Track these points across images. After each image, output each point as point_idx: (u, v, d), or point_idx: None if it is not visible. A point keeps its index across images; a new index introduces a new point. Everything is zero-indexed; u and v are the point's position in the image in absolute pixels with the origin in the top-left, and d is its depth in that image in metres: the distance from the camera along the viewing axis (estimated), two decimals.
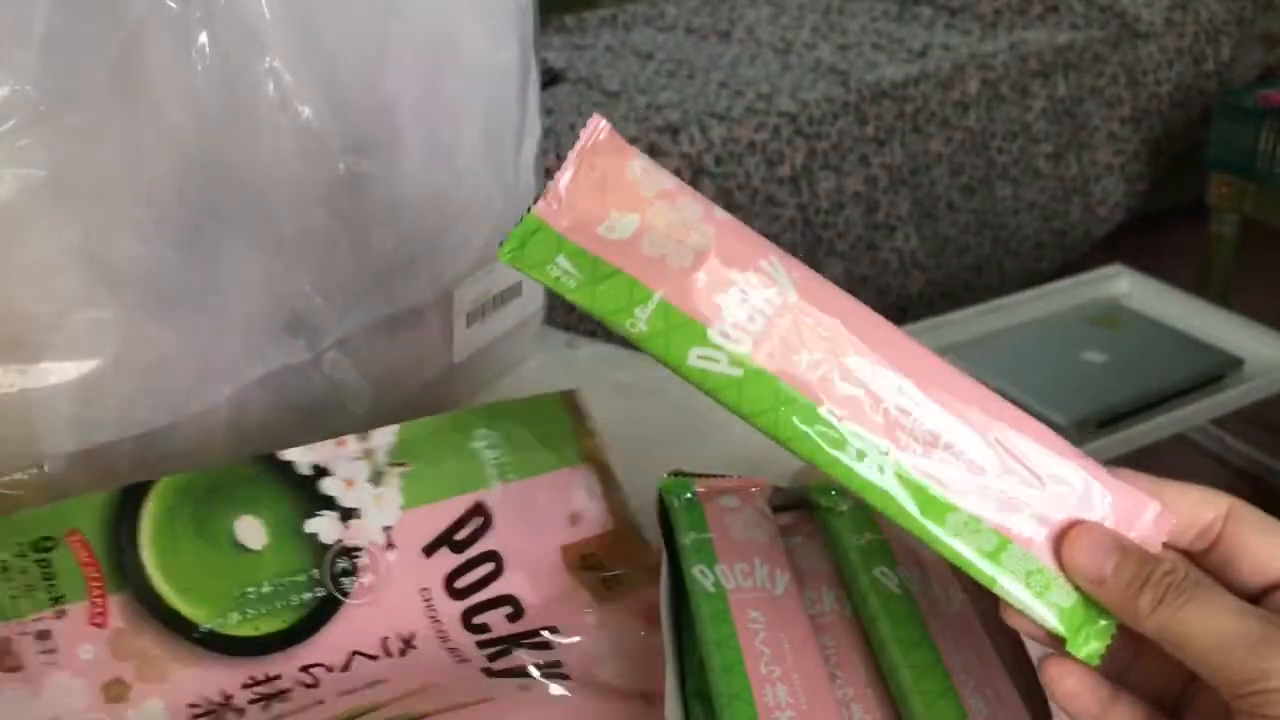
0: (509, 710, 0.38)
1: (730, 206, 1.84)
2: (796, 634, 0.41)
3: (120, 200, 0.43)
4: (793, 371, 0.30)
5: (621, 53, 2.23)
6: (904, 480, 0.31)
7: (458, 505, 0.42)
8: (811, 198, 1.93)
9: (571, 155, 0.31)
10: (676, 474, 0.49)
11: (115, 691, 0.35)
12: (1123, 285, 1.76)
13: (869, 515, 0.47)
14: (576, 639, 0.43)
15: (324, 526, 0.40)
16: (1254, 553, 0.31)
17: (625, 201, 0.31)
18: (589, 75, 2.08)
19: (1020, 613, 0.32)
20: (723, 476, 0.49)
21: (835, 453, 0.31)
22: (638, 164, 0.31)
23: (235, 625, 0.38)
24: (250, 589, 0.38)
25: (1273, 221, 1.92)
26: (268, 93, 0.45)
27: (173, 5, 0.42)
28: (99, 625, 0.36)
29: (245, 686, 0.37)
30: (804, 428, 0.31)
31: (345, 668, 0.39)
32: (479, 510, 0.43)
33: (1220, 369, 1.53)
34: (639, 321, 0.30)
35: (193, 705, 0.36)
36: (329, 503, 0.40)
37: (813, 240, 1.93)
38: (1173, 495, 0.32)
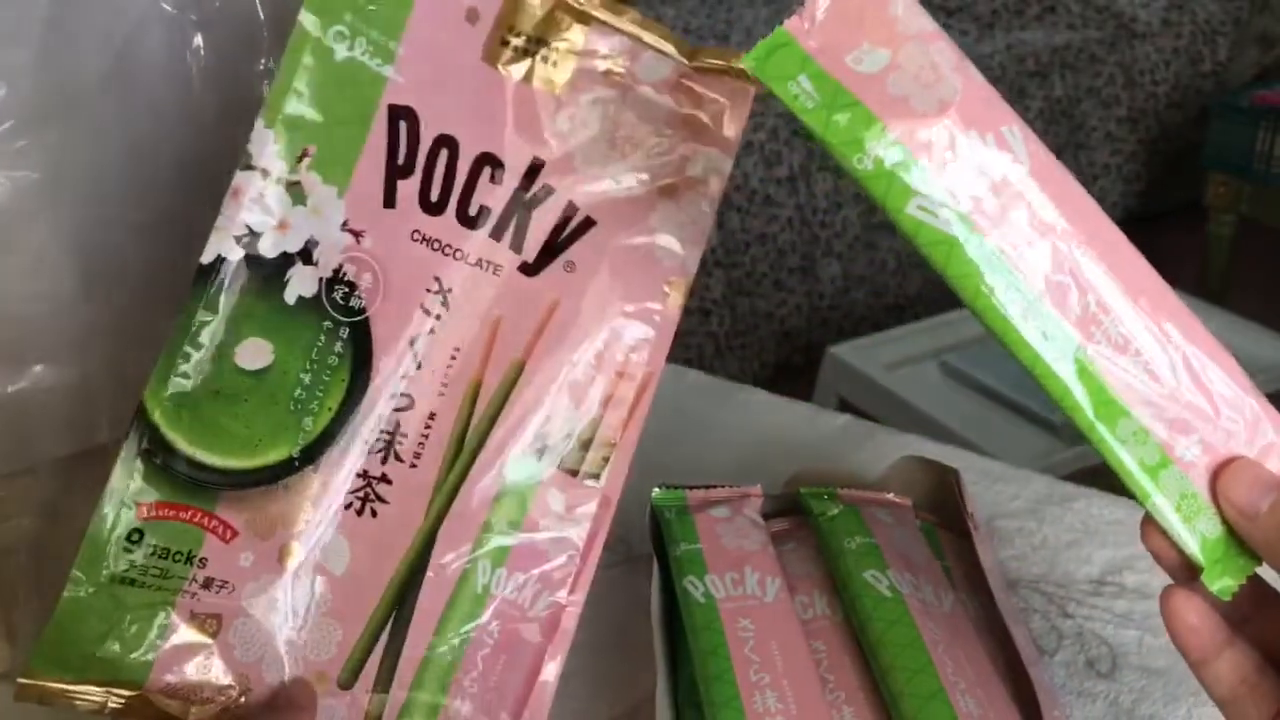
0: (575, 298, 0.39)
1: (728, 207, 1.85)
2: (787, 640, 0.41)
3: (116, 202, 0.43)
4: (1007, 243, 0.30)
5: None
6: (1085, 376, 0.31)
7: (378, 135, 0.37)
8: (809, 197, 1.93)
9: None
10: (669, 486, 0.49)
11: (288, 557, 0.37)
12: None
13: (860, 519, 0.47)
14: (566, 158, 0.39)
15: (300, 282, 0.36)
16: None
17: (880, 35, 0.30)
18: None
19: (1163, 534, 0.32)
20: (715, 486, 0.49)
21: (1025, 334, 0.30)
22: None
23: (314, 426, 0.37)
24: (298, 392, 0.37)
25: (1270, 221, 1.93)
26: (263, 94, 0.45)
27: (168, 7, 0.43)
28: (232, 538, 0.36)
29: (366, 454, 0.38)
30: (1002, 302, 0.30)
31: (419, 363, 0.38)
32: (397, 113, 0.37)
33: None
34: (867, 158, 0.29)
35: (346, 506, 0.37)
36: (284, 261, 0.36)
37: (810, 240, 1.93)
38: None
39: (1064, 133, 2.22)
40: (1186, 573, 0.32)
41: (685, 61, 0.40)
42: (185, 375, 0.36)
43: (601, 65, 0.39)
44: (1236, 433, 0.32)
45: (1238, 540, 0.31)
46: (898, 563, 0.44)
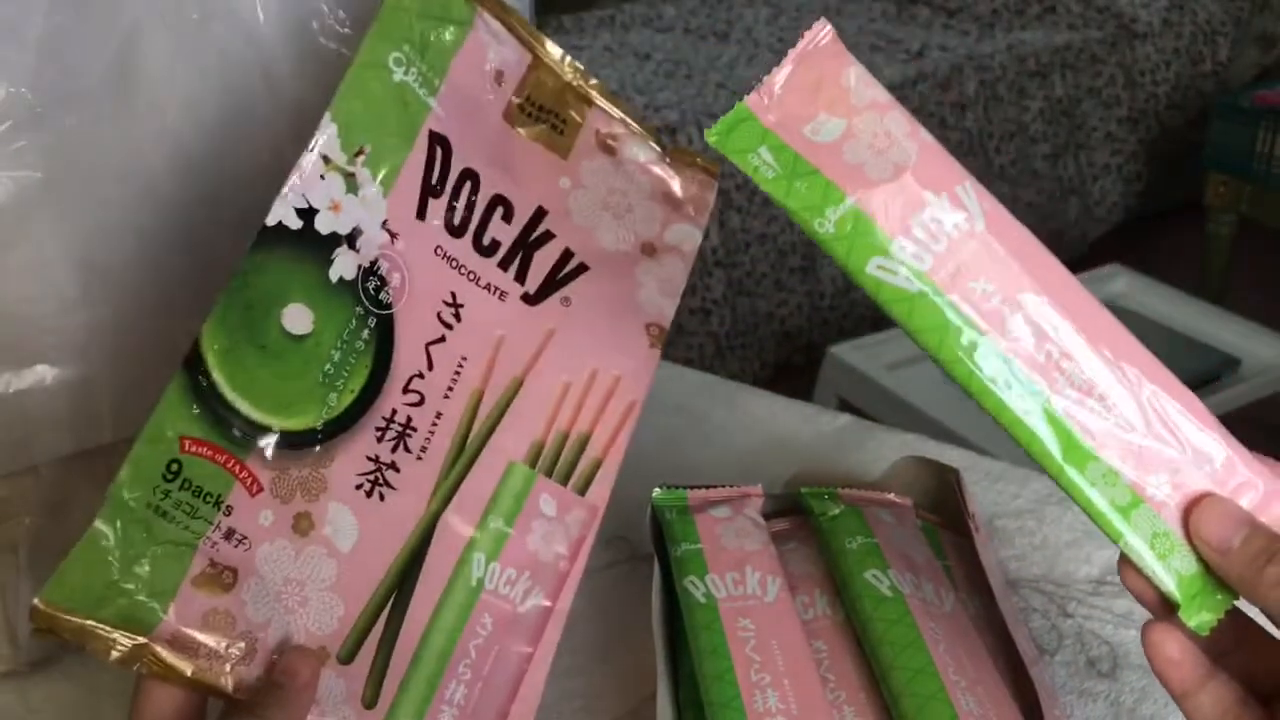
0: (570, 329, 0.44)
1: (728, 206, 1.85)
2: (788, 639, 0.41)
3: (117, 202, 0.43)
4: (967, 297, 0.31)
5: (620, 53, 2.23)
6: (1053, 422, 0.32)
7: (419, 153, 0.41)
8: None
9: (791, 54, 0.33)
10: (669, 486, 0.49)
11: (303, 525, 0.38)
12: (1120, 285, 1.76)
13: (861, 519, 0.47)
14: (565, 212, 0.45)
15: (343, 264, 0.39)
16: None
17: (835, 106, 0.32)
18: None
19: (1139, 572, 0.32)
20: (715, 487, 0.49)
21: (990, 383, 0.32)
22: (854, 72, 0.32)
23: (338, 403, 0.39)
24: (328, 366, 0.39)
25: (1269, 221, 1.93)
26: (264, 93, 0.46)
27: (168, 7, 0.43)
28: (258, 492, 0.37)
29: (379, 440, 0.40)
30: (966, 353, 0.32)
31: (430, 365, 0.41)
32: (436, 141, 0.42)
33: (1217, 369, 1.53)
34: (828, 222, 0.32)
35: (357, 486, 0.39)
36: (333, 240, 0.39)
37: (810, 240, 1.92)
38: None
39: (1064, 133, 2.22)
40: (1165, 609, 0.32)
41: (661, 150, 0.46)
42: (238, 321, 0.38)
43: (599, 141, 0.46)
44: (1206, 469, 0.32)
45: (1214, 576, 0.32)
46: (899, 563, 0.44)
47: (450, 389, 0.41)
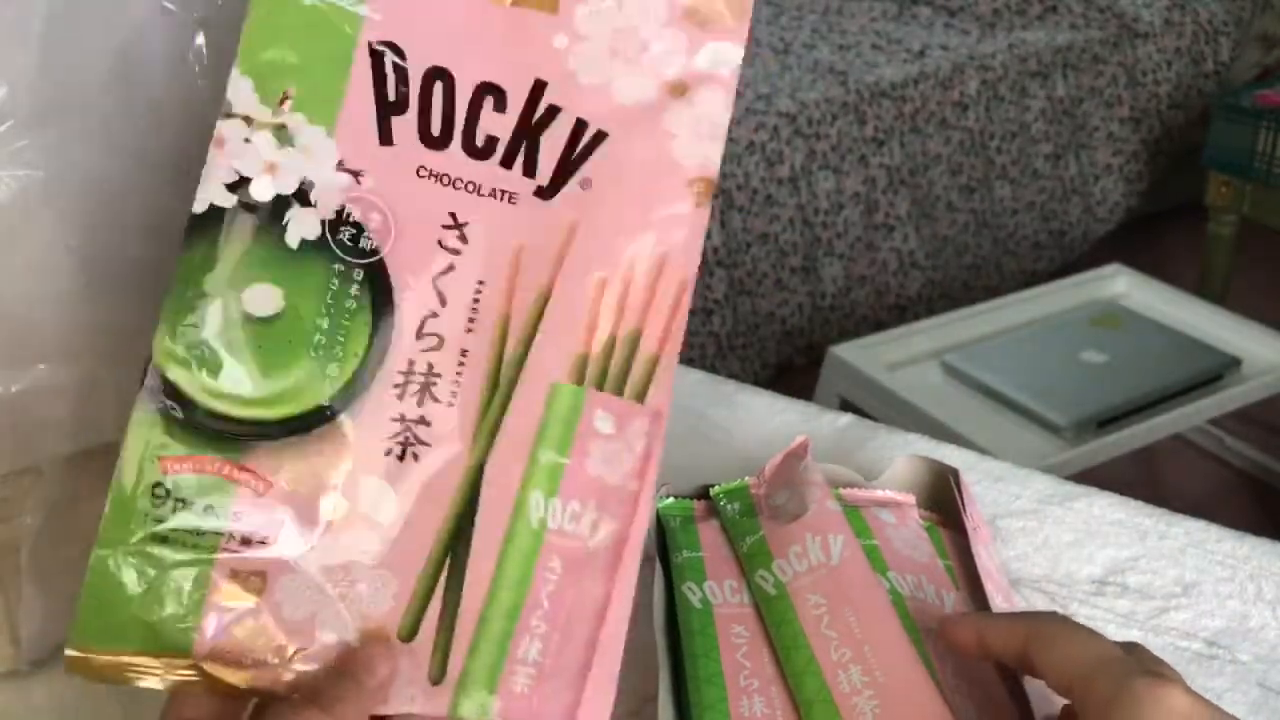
0: (596, 215, 0.38)
1: (729, 206, 1.85)
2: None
3: (118, 202, 0.43)
4: (802, 606, 0.42)
5: None
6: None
7: (361, 73, 0.36)
8: (810, 198, 1.93)
9: (770, 464, 0.47)
10: (678, 496, 0.49)
11: (330, 508, 0.36)
12: (1121, 285, 1.76)
13: (861, 520, 0.47)
14: (568, 75, 0.38)
15: (300, 224, 0.35)
16: None
17: (791, 483, 0.47)
18: None
19: None
20: (713, 486, 0.49)
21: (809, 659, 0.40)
22: (808, 463, 0.47)
23: (341, 372, 0.36)
24: (317, 337, 0.35)
25: (1271, 222, 1.92)
26: None
27: (170, 6, 0.43)
28: (266, 490, 0.35)
29: (400, 397, 0.36)
30: (797, 642, 0.41)
31: (443, 301, 0.37)
32: (379, 50, 0.36)
33: (1219, 369, 1.53)
34: (744, 544, 0.45)
35: (386, 452, 0.36)
36: (280, 204, 0.35)
37: (811, 240, 1.93)
38: None
39: (1066, 133, 2.22)
40: None
41: None
42: (194, 325, 0.35)
43: None
44: None
45: None
46: (898, 564, 0.44)
47: (472, 321, 0.37)
